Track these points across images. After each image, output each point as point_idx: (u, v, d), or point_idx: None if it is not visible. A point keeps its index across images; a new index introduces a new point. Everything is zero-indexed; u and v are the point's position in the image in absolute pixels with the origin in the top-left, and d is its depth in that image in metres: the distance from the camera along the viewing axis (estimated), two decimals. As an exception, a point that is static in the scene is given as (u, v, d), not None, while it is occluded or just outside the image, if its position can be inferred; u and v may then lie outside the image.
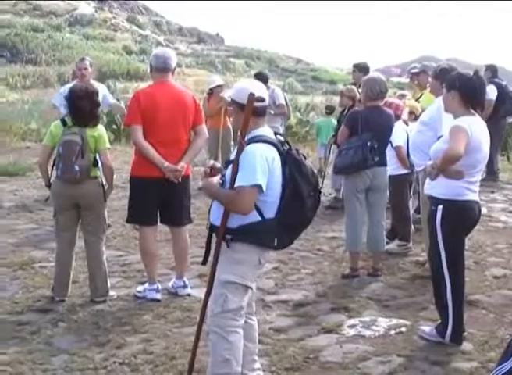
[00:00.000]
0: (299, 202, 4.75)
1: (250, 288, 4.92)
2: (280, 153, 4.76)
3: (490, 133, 6.10)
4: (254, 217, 4.74)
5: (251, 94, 4.72)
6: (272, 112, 13.05)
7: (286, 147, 4.84)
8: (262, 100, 4.82)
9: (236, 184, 4.69)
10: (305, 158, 4.90)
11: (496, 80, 14.86)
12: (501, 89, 14.67)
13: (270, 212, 4.76)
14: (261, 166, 4.65)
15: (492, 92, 14.45)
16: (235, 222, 4.78)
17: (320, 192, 5.02)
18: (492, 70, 14.99)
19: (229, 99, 5.10)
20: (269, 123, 12.76)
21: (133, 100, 7.23)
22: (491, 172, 14.68)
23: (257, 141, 4.76)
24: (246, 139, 4.77)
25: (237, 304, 4.85)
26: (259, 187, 4.63)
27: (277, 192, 4.75)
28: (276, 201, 4.76)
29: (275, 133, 4.96)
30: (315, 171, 4.97)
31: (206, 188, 5.04)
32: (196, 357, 5.26)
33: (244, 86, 4.95)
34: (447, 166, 5.75)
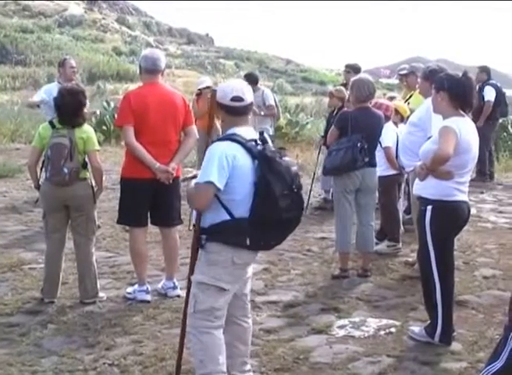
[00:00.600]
0: (270, 201, 4.61)
1: (225, 290, 4.83)
2: (249, 151, 4.70)
3: (484, 134, 6.16)
4: (224, 216, 4.72)
5: (213, 91, 4.95)
6: (262, 113, 13.09)
7: (260, 145, 4.77)
8: (239, 100, 4.82)
9: (195, 181, 4.82)
10: (281, 156, 4.74)
11: (492, 81, 14.91)
12: (498, 91, 14.73)
13: (240, 211, 4.70)
14: (218, 163, 4.64)
15: (490, 93, 14.51)
16: (207, 221, 4.81)
17: (298, 191, 4.80)
18: (487, 72, 15.00)
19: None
20: (259, 123, 12.96)
21: (123, 101, 7.23)
22: (482, 173, 14.74)
23: (222, 139, 4.83)
24: (221, 137, 4.92)
25: (208, 305, 4.82)
26: (213, 183, 4.62)
27: (245, 191, 4.68)
28: (246, 200, 4.68)
29: (261, 133, 4.91)
30: (294, 170, 4.80)
31: (187, 191, 5.05)
32: (185, 358, 5.27)
33: (224, 85, 5.06)
34: (437, 167, 5.76)
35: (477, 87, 14.34)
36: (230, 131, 4.85)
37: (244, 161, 4.68)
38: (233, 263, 4.80)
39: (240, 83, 5.08)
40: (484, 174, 14.80)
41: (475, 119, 14.23)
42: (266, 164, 4.63)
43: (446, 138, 5.68)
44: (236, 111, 4.84)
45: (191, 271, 5.04)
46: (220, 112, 4.94)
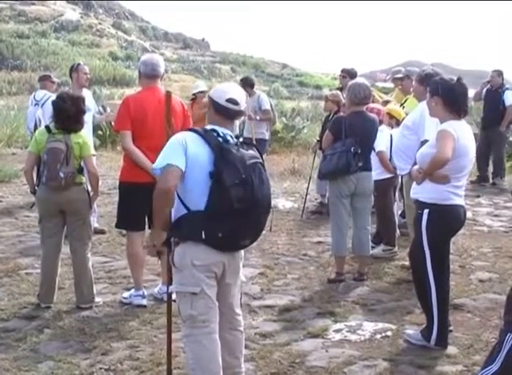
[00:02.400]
0: (221, 191, 4.54)
1: (195, 293, 4.71)
2: (207, 142, 4.67)
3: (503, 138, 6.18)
4: (182, 211, 4.71)
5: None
6: (258, 117, 13.12)
7: (220, 139, 4.71)
8: (234, 103, 4.83)
9: (152, 167, 4.90)
10: (238, 148, 4.70)
11: (508, 86, 15.00)
12: None
13: (197, 204, 4.63)
14: (174, 148, 4.68)
15: (511, 98, 14.61)
16: (172, 219, 4.81)
17: (253, 182, 4.63)
18: (502, 76, 15.03)
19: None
20: (255, 128, 12.96)
21: (122, 106, 7.24)
22: (483, 177, 14.94)
23: (188, 130, 4.97)
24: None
25: (187, 312, 4.77)
26: (172, 165, 4.61)
27: (201, 182, 4.61)
28: (202, 192, 4.60)
29: (236, 136, 4.90)
30: (252, 161, 4.69)
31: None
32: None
33: (223, 85, 5.10)
34: (434, 171, 5.79)
35: (486, 90, 14.41)
36: (208, 127, 4.87)
37: (200, 150, 4.66)
38: (193, 265, 4.68)
39: (239, 88, 5.06)
40: (484, 179, 15.02)
41: (495, 124, 14.43)
42: (219, 153, 4.60)
43: (444, 142, 5.70)
44: (226, 113, 4.84)
45: (169, 280, 5.10)
46: (210, 111, 4.94)
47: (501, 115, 14.60)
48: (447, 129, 5.79)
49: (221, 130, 4.80)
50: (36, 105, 11.36)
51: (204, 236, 4.61)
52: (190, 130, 4.88)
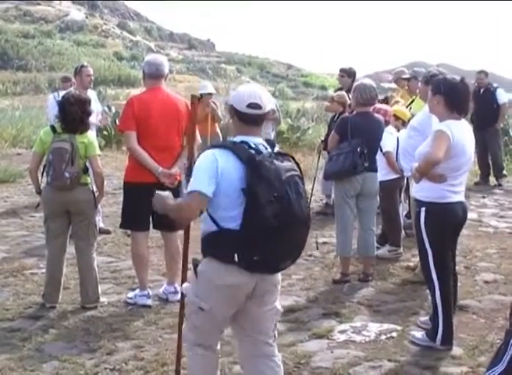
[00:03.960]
0: (256, 209, 4.17)
1: (202, 309, 4.41)
2: (238, 157, 4.28)
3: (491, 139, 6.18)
4: (211, 227, 4.34)
5: (194, 96, 4.98)
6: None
7: (263, 149, 4.38)
8: (256, 107, 4.44)
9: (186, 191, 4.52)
10: (272, 160, 4.31)
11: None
12: None
13: (229, 222, 4.26)
14: (205, 171, 4.31)
15: (503, 96, 15.03)
16: (202, 234, 4.47)
17: (290, 198, 4.28)
18: (487, 76, 15.18)
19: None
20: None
21: (127, 106, 7.25)
22: (484, 176, 15.03)
23: (212, 146, 4.51)
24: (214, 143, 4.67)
25: (190, 321, 4.60)
26: (200, 193, 4.28)
27: (232, 199, 4.25)
28: (235, 210, 4.24)
29: (267, 140, 4.59)
30: (288, 175, 4.34)
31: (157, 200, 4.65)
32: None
33: (242, 89, 4.61)
34: (426, 170, 5.81)
35: (481, 91, 14.54)
36: (236, 138, 4.51)
37: (231, 166, 4.28)
38: (213, 283, 4.36)
39: (259, 89, 4.63)
40: (486, 178, 15.09)
41: (489, 124, 14.54)
42: (252, 169, 4.22)
43: (437, 142, 5.73)
44: (250, 119, 4.46)
45: (182, 280, 5.01)
46: (234, 120, 4.55)
47: (496, 114, 14.85)
48: (442, 129, 5.81)
49: (251, 140, 4.43)
50: None
51: (237, 259, 4.24)
52: (219, 145, 4.47)
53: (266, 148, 4.44)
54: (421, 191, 6.04)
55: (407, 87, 11.16)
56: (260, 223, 4.16)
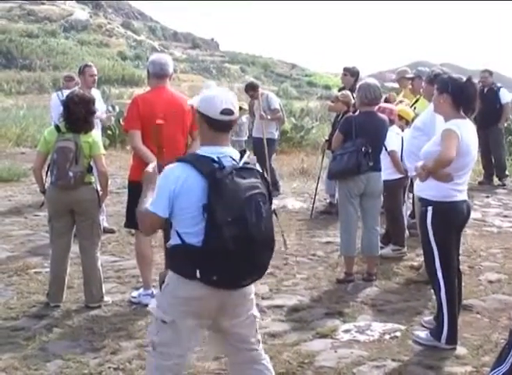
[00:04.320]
0: (214, 229, 3.96)
1: (165, 322, 4.20)
2: (201, 173, 4.05)
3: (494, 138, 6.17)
4: (176, 240, 4.17)
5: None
6: (269, 117, 13.21)
7: (217, 167, 4.06)
8: (229, 113, 4.23)
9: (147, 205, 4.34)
10: (233, 177, 4.03)
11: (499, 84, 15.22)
12: None
13: (192, 238, 4.07)
14: (165, 189, 4.16)
15: (507, 96, 15.09)
16: (168, 246, 4.34)
17: (247, 221, 4.01)
18: (492, 75, 15.21)
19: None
20: (265, 127, 13.00)
21: (131, 105, 7.26)
22: (488, 176, 15.03)
23: (177, 160, 4.24)
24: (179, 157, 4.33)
25: (151, 335, 4.38)
26: (156, 214, 4.19)
27: (195, 216, 4.05)
28: (196, 227, 4.04)
29: (241, 152, 4.30)
30: (248, 194, 4.04)
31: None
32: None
33: (212, 95, 4.30)
34: (439, 169, 5.80)
35: (485, 90, 14.56)
36: (201, 149, 4.26)
37: (193, 181, 4.07)
38: (174, 295, 4.21)
39: (228, 93, 4.38)
40: (489, 177, 15.12)
41: (492, 124, 14.57)
42: (212, 186, 3.99)
43: (448, 142, 5.72)
44: (223, 126, 4.24)
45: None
46: (202, 128, 4.31)
47: (499, 113, 14.84)
48: (451, 128, 5.81)
49: (218, 150, 4.18)
50: None
51: (198, 275, 4.04)
52: (182, 159, 4.23)
53: (233, 160, 4.18)
54: (428, 189, 6.03)
55: (410, 87, 11.15)
56: (218, 244, 3.96)
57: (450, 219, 6.05)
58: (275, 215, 4.33)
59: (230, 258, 3.99)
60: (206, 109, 4.23)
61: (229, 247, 3.95)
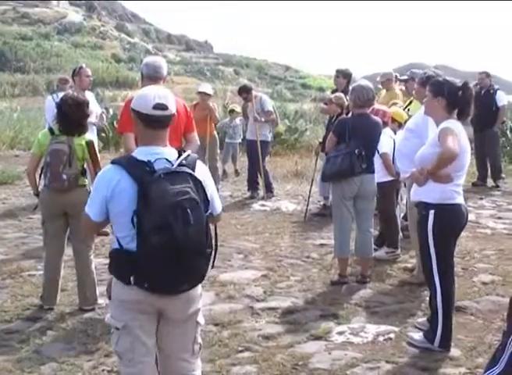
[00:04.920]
0: (143, 236, 3.87)
1: (117, 329, 4.15)
2: (133, 177, 3.97)
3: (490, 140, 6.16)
4: (115, 244, 4.10)
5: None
6: (263, 119, 13.24)
7: (148, 170, 3.96)
8: (163, 108, 4.10)
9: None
10: (175, 178, 3.95)
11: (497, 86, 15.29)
12: None
13: (127, 243, 4.00)
14: (97, 193, 4.12)
15: (503, 98, 15.22)
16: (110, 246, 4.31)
17: (167, 226, 3.85)
18: (490, 77, 15.26)
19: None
20: (259, 130, 13.02)
21: (125, 108, 7.22)
22: (482, 178, 15.07)
23: (112, 162, 4.14)
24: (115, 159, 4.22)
25: (114, 346, 4.27)
26: (90, 217, 4.14)
27: (128, 221, 3.93)
28: (130, 231, 3.96)
29: (179, 153, 4.20)
30: (175, 201, 3.88)
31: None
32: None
33: (144, 91, 4.24)
34: (444, 168, 5.78)
35: (482, 92, 14.59)
36: (138, 151, 4.18)
37: (125, 185, 3.98)
38: (118, 299, 4.16)
39: (163, 89, 4.29)
40: (484, 179, 15.15)
41: (489, 126, 14.61)
42: (141, 191, 3.91)
43: (448, 138, 5.68)
44: (157, 121, 4.12)
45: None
46: (137, 127, 4.24)
47: (495, 116, 14.85)
48: (449, 126, 5.81)
49: (153, 152, 4.09)
50: None
51: (133, 281, 3.99)
52: (117, 161, 4.11)
53: (169, 162, 4.06)
54: (428, 192, 5.98)
55: (403, 89, 11.19)
56: (147, 251, 3.87)
57: (453, 222, 6.04)
58: (212, 218, 4.22)
59: (160, 265, 3.90)
60: (139, 105, 4.15)
61: (158, 254, 3.86)
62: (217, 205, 4.36)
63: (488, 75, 15.15)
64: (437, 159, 5.77)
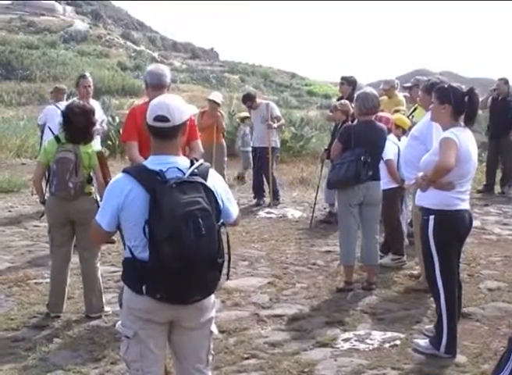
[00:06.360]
0: (155, 247, 3.87)
1: (128, 337, 4.14)
2: (144, 187, 3.97)
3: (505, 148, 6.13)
4: (127, 254, 4.09)
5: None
6: (276, 125, 13.29)
7: (159, 180, 3.95)
8: (162, 119, 4.09)
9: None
10: (172, 191, 3.88)
11: None
12: None
13: (139, 253, 4.00)
14: (109, 203, 4.13)
15: None
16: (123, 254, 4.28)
17: (185, 238, 3.82)
18: (508, 84, 15.07)
19: None
20: (269, 136, 13.11)
21: (129, 117, 7.24)
22: (489, 185, 14.99)
23: (124, 171, 4.14)
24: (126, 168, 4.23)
25: (123, 354, 4.25)
26: (101, 226, 4.15)
27: (140, 231, 3.94)
28: (142, 241, 3.97)
29: (191, 161, 4.17)
30: (185, 211, 3.84)
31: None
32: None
33: (153, 102, 4.24)
34: (438, 178, 5.82)
35: (499, 98, 14.44)
36: (148, 160, 4.18)
37: (137, 194, 3.99)
38: (129, 308, 4.15)
39: (173, 100, 4.25)
40: (491, 187, 15.06)
41: (504, 134, 14.43)
42: (153, 200, 3.90)
43: (447, 150, 5.74)
44: (159, 133, 4.13)
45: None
46: (149, 135, 4.23)
47: (509, 124, 14.54)
48: (449, 136, 5.83)
49: (165, 161, 4.09)
50: None
51: (145, 291, 3.98)
52: (129, 170, 4.12)
53: (180, 171, 4.05)
54: (429, 198, 6.03)
55: (408, 95, 11.20)
56: (159, 261, 3.86)
57: (452, 229, 6.05)
58: (225, 228, 4.19)
59: (171, 276, 3.88)
60: (147, 116, 4.18)
61: (169, 265, 3.84)
62: (233, 212, 4.33)
63: (506, 82, 14.91)
64: (433, 169, 5.81)
